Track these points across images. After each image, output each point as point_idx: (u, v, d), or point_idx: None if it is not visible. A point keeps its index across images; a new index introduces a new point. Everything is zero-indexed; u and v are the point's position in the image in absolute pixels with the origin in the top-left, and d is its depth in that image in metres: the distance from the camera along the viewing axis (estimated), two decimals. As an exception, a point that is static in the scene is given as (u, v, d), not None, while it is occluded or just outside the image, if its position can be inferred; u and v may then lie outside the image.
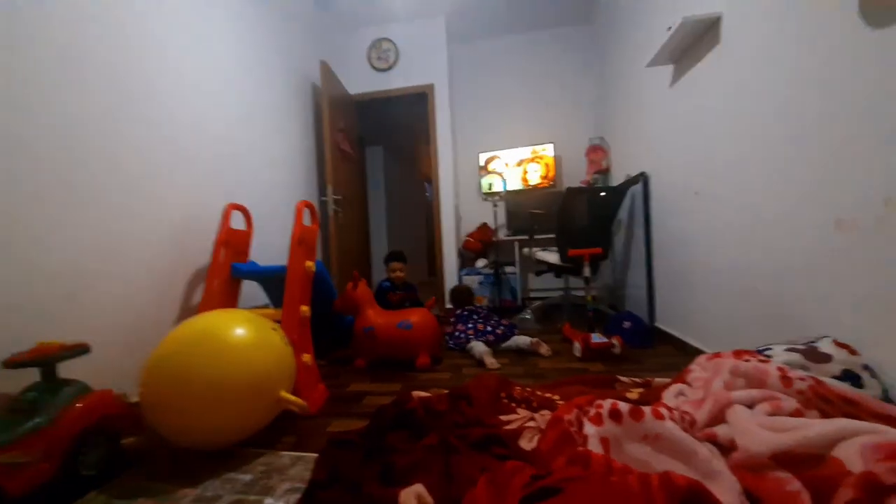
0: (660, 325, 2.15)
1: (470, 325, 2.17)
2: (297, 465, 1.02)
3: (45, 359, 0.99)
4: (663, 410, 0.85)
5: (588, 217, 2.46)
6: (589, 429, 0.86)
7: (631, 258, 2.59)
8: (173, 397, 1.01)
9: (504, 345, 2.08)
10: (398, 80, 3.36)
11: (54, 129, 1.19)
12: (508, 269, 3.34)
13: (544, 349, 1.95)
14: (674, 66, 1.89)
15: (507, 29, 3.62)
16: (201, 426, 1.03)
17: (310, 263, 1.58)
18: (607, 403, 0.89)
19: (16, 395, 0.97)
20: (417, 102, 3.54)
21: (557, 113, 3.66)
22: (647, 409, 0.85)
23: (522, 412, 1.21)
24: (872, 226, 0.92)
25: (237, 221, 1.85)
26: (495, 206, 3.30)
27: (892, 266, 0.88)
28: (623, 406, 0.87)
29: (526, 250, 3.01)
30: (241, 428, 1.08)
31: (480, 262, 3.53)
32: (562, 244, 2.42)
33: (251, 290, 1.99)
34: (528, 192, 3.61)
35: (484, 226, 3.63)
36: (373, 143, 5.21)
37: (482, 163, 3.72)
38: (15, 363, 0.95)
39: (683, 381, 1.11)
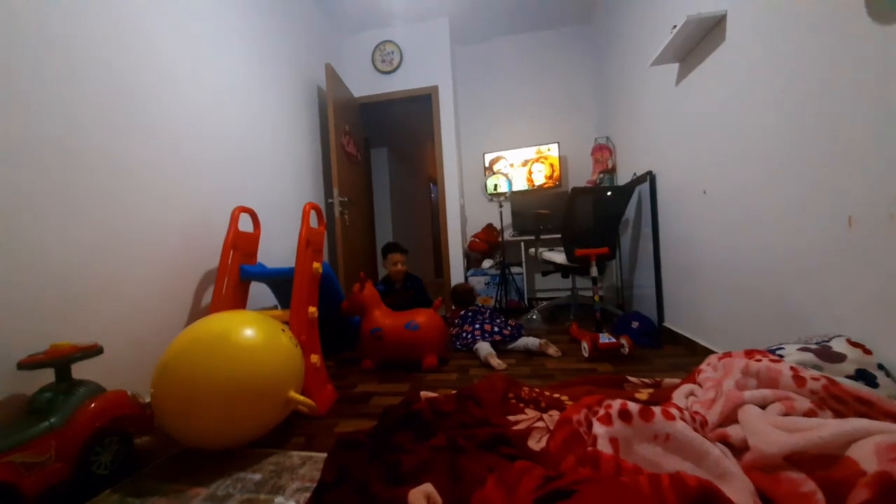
0: (668, 324, 2.13)
1: (477, 326, 2.17)
2: (307, 465, 1.03)
3: (59, 360, 1.00)
4: (674, 411, 0.84)
5: (594, 217, 2.45)
6: (598, 429, 0.85)
7: (638, 258, 2.57)
8: (184, 398, 1.02)
9: (512, 345, 2.07)
10: (402, 82, 3.37)
11: (60, 133, 1.20)
12: (514, 269, 3.33)
13: (553, 350, 1.94)
14: (679, 65, 1.88)
15: (510, 29, 3.62)
16: (212, 426, 1.04)
17: (317, 265, 1.59)
18: (617, 403, 0.88)
19: (30, 395, 0.99)
20: (422, 104, 3.55)
21: (562, 112, 3.65)
22: (657, 410, 0.84)
23: (531, 412, 1.20)
24: (884, 223, 0.91)
25: (245, 224, 1.87)
26: (501, 206, 3.29)
27: (907, 263, 0.87)
28: (633, 406, 0.86)
29: (532, 251, 3.00)
30: (252, 428, 1.09)
31: (486, 263, 3.53)
32: (568, 244, 2.41)
33: (260, 291, 2.01)
34: (534, 192, 3.61)
35: (489, 226, 3.62)
36: (378, 145, 5.24)
37: (487, 163, 3.72)
38: (29, 364, 0.97)
39: (694, 382, 1.10)
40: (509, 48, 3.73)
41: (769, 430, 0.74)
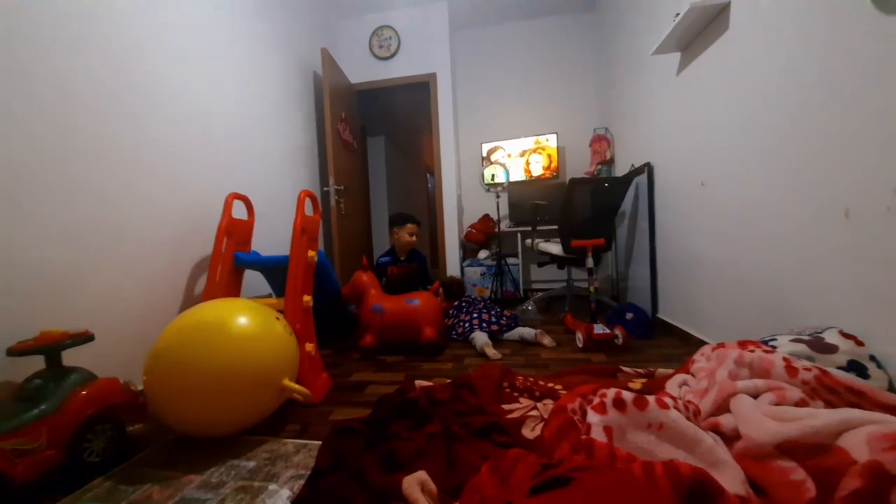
0: (662, 316, 2.15)
1: (475, 315, 2.17)
2: (301, 453, 1.03)
3: (50, 346, 0.99)
4: (668, 400, 0.85)
5: (591, 208, 2.44)
6: (592, 417, 0.85)
7: (634, 249, 2.58)
8: (177, 386, 1.01)
9: (508, 335, 2.08)
10: (400, 69, 3.32)
11: (54, 116, 1.18)
12: (511, 260, 3.33)
13: (547, 340, 1.95)
14: (681, 54, 1.86)
15: (509, 16, 3.56)
16: (205, 414, 1.03)
17: (312, 253, 1.58)
18: (611, 392, 0.89)
19: (20, 382, 0.98)
20: (419, 91, 3.50)
21: (561, 102, 3.61)
22: (651, 399, 0.84)
23: (525, 401, 1.21)
24: (881, 216, 0.91)
25: (239, 211, 1.84)
26: (498, 196, 3.27)
27: (902, 256, 0.87)
28: (627, 395, 0.86)
29: (528, 241, 2.99)
30: (245, 416, 1.09)
31: (483, 254, 3.52)
32: (565, 235, 2.40)
33: (254, 279, 1.99)
34: (531, 182, 3.59)
35: (486, 217, 3.61)
36: (374, 133, 5.17)
37: (485, 153, 3.69)
38: (19, 351, 0.95)
39: (687, 372, 1.11)
40: (508, 36, 3.67)
41: (761, 419, 0.74)
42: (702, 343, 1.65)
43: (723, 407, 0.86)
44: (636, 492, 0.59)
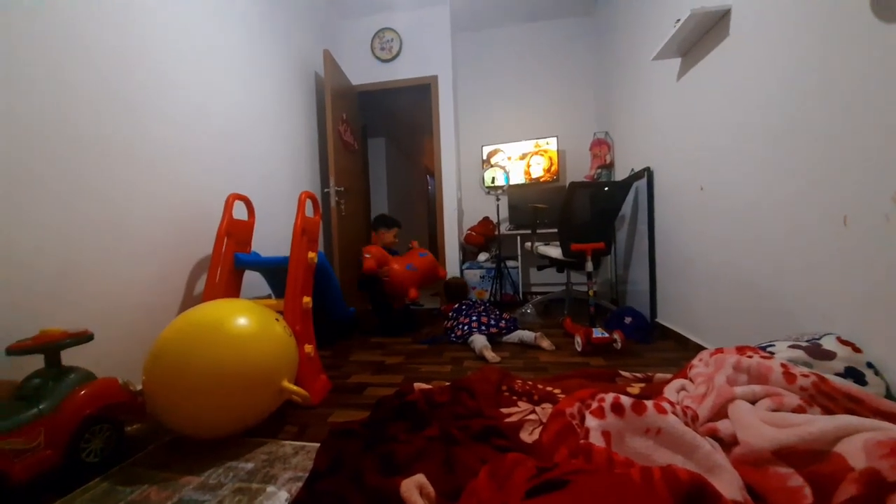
0: (661, 320, 2.15)
1: (474, 318, 2.17)
2: (299, 455, 1.03)
3: (49, 346, 0.99)
4: (666, 405, 0.85)
5: (591, 212, 2.45)
6: (591, 422, 0.86)
7: (633, 253, 2.58)
8: (176, 386, 1.01)
9: (507, 338, 2.08)
10: (401, 71, 3.33)
11: (54, 116, 1.18)
12: (510, 263, 3.33)
13: (546, 343, 1.95)
14: (681, 60, 1.87)
15: (510, 19, 3.58)
16: (204, 415, 1.03)
17: (312, 254, 1.58)
18: (609, 397, 0.89)
19: (19, 381, 0.98)
20: (420, 93, 3.51)
21: (561, 106, 3.63)
22: (649, 403, 0.84)
23: (523, 405, 1.21)
24: (880, 223, 0.91)
25: (240, 212, 1.84)
26: (498, 199, 3.28)
27: (900, 263, 0.88)
28: (625, 400, 0.87)
29: (528, 245, 3.00)
30: (244, 417, 1.09)
31: (482, 256, 3.53)
32: (564, 239, 2.41)
33: (253, 280, 1.99)
34: (531, 186, 3.60)
35: (486, 219, 3.61)
36: (375, 135, 5.18)
37: (485, 156, 3.70)
38: (18, 350, 0.95)
39: (685, 377, 1.12)
40: (509, 39, 3.69)
41: (758, 425, 0.75)
42: (700, 348, 1.66)
43: (721, 412, 0.86)
44: (632, 495, 0.59)
